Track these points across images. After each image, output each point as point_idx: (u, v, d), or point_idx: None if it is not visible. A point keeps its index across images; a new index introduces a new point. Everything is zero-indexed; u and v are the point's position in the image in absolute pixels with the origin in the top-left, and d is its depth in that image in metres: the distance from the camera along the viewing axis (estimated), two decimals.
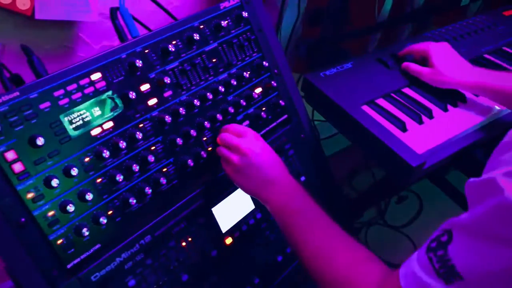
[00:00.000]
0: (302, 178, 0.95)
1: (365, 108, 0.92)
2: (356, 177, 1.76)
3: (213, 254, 0.81)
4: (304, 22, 1.29)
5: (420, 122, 0.90)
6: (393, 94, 0.97)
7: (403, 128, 0.88)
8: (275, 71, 0.91)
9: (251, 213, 0.88)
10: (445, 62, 0.95)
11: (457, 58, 0.97)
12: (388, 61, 1.03)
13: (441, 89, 0.97)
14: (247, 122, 0.87)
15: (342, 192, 1.65)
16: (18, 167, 0.62)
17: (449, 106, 0.95)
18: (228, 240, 0.84)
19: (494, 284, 0.47)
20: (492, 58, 1.11)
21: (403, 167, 0.80)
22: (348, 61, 1.01)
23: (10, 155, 0.61)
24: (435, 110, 0.94)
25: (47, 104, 0.64)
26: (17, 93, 0.62)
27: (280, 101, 0.90)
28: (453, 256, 0.49)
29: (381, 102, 0.94)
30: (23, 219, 0.62)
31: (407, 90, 0.99)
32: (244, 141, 0.75)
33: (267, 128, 0.90)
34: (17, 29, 0.89)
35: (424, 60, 0.99)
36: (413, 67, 0.99)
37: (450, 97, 0.97)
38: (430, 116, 0.92)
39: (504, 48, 1.15)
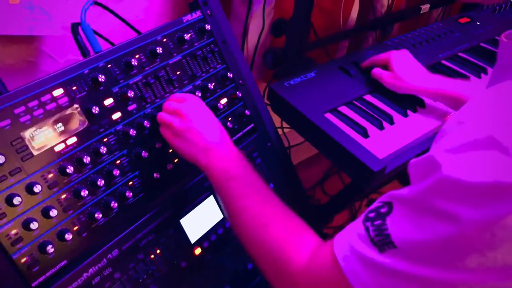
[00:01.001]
0: (271, 186, 0.97)
1: (328, 115, 0.94)
2: (328, 182, 1.79)
3: (182, 265, 0.82)
4: (271, 32, 1.32)
5: (381, 128, 0.94)
6: (355, 102, 1.00)
7: (365, 134, 0.90)
8: (240, 81, 0.93)
9: (220, 223, 0.89)
10: (404, 68, 1.00)
11: (416, 65, 1.01)
12: (350, 69, 1.06)
13: (401, 95, 1.01)
14: None
15: (312, 198, 1.68)
16: None
17: (409, 112, 0.99)
18: (197, 251, 0.84)
19: (425, 253, 0.49)
20: (449, 64, 1.16)
21: (365, 172, 0.82)
22: (311, 70, 1.04)
23: None
24: (396, 116, 0.98)
25: (7, 122, 0.64)
26: None
27: (246, 111, 0.92)
28: (390, 226, 0.51)
29: (344, 109, 0.97)
30: None
31: (369, 97, 1.02)
32: (184, 105, 0.74)
33: (234, 138, 0.92)
34: None
35: (386, 69, 1.03)
36: (376, 71, 1.03)
37: (409, 103, 1.01)
38: (391, 122, 0.96)
39: (460, 54, 1.20)
